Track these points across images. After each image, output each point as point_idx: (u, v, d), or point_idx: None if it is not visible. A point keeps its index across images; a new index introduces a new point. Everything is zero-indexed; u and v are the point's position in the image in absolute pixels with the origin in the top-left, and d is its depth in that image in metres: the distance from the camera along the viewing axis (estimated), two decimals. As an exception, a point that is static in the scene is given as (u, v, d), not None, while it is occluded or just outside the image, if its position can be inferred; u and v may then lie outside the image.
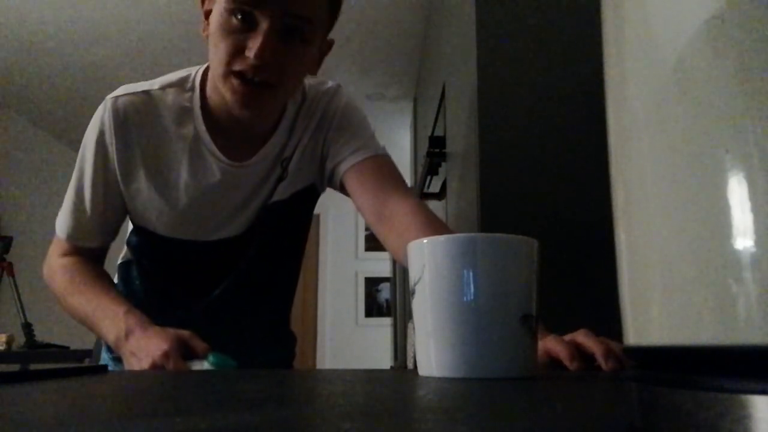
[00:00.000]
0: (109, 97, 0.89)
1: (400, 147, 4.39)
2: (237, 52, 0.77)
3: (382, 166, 0.93)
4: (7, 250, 3.27)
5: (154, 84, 0.90)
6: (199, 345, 0.74)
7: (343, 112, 0.96)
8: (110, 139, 0.87)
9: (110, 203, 0.91)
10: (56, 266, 0.93)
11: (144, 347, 0.75)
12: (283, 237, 1.00)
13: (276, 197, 0.95)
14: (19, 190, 4.24)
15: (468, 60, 1.44)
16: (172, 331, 0.76)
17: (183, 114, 0.89)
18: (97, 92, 3.87)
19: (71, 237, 0.93)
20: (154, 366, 0.72)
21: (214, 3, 0.80)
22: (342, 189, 0.96)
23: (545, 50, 1.33)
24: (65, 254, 0.94)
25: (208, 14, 0.83)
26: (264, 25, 0.76)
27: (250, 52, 0.76)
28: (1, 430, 0.21)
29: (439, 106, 2.15)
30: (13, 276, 3.12)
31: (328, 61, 0.95)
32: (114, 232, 0.96)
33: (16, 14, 3.04)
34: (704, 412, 0.15)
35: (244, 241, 0.95)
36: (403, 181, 0.96)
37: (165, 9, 3.00)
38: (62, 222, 0.94)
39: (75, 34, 3.22)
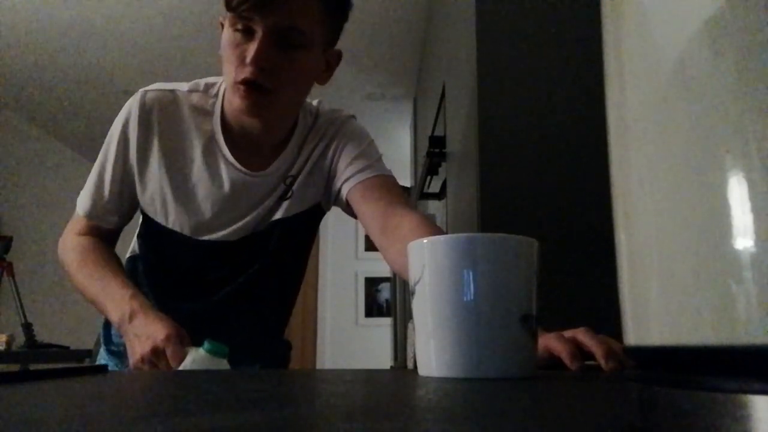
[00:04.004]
0: (141, 90, 0.96)
1: (400, 147, 4.40)
2: (240, 62, 0.84)
3: (388, 185, 0.97)
4: (7, 250, 3.27)
5: (183, 86, 0.97)
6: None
7: (351, 137, 1.00)
8: (133, 127, 0.94)
9: (126, 188, 0.97)
10: (71, 243, 0.98)
11: (147, 330, 0.80)
12: (287, 253, 1.04)
13: (281, 215, 0.99)
14: (19, 190, 4.24)
15: (468, 60, 1.44)
16: (172, 320, 0.82)
17: (203, 115, 0.96)
18: (97, 92, 3.88)
19: (89, 214, 0.98)
20: (154, 350, 0.77)
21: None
22: (348, 207, 1.00)
23: (545, 50, 1.33)
24: (81, 233, 0.99)
25: None
26: (259, 33, 0.82)
27: (248, 58, 0.82)
28: (1, 430, 0.21)
29: (439, 106, 2.15)
30: (13, 276, 3.12)
31: (328, 60, 0.95)
32: (128, 216, 1.02)
33: (16, 14, 3.04)
34: (704, 412, 0.15)
35: (243, 252, 0.99)
36: (408, 199, 0.98)
37: (165, 9, 3.00)
38: (83, 199, 0.99)
39: (75, 34, 3.22)
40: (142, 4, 2.96)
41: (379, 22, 3.08)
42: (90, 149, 4.65)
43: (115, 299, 0.87)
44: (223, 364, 0.77)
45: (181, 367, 0.75)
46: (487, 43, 1.33)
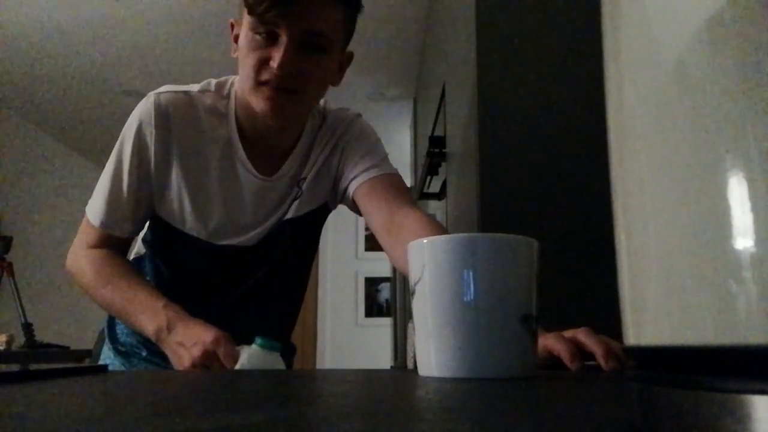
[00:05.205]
0: (152, 92, 0.93)
1: (400, 147, 4.39)
2: (262, 64, 0.83)
3: (394, 184, 0.98)
4: (7, 250, 3.27)
5: (193, 87, 0.95)
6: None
7: (358, 136, 1.01)
8: (150, 130, 0.91)
9: (144, 192, 0.94)
10: (84, 257, 0.94)
11: (192, 336, 0.78)
12: (295, 253, 1.04)
13: (291, 214, 0.99)
14: (19, 190, 4.24)
15: (468, 60, 1.44)
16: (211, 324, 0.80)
17: (219, 118, 0.94)
18: (98, 93, 3.87)
19: (105, 224, 0.94)
20: (206, 353, 0.75)
21: (241, 27, 0.87)
22: (354, 206, 1.00)
23: (545, 50, 1.33)
24: (94, 245, 0.95)
25: (236, 38, 0.89)
26: (284, 38, 0.82)
27: (274, 63, 0.82)
28: (1, 430, 0.21)
29: (439, 106, 2.15)
30: (13, 276, 3.13)
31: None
32: (142, 224, 0.99)
33: (16, 14, 3.04)
34: (704, 412, 0.15)
35: (254, 254, 0.99)
36: (413, 198, 0.99)
37: (166, 10, 3.00)
38: (95, 209, 0.94)
39: (75, 34, 3.22)
40: (142, 5, 2.96)
41: (379, 22, 3.08)
42: (90, 149, 4.64)
43: (148, 311, 0.85)
44: (277, 359, 0.75)
45: (238, 366, 0.73)
46: (487, 43, 1.33)
